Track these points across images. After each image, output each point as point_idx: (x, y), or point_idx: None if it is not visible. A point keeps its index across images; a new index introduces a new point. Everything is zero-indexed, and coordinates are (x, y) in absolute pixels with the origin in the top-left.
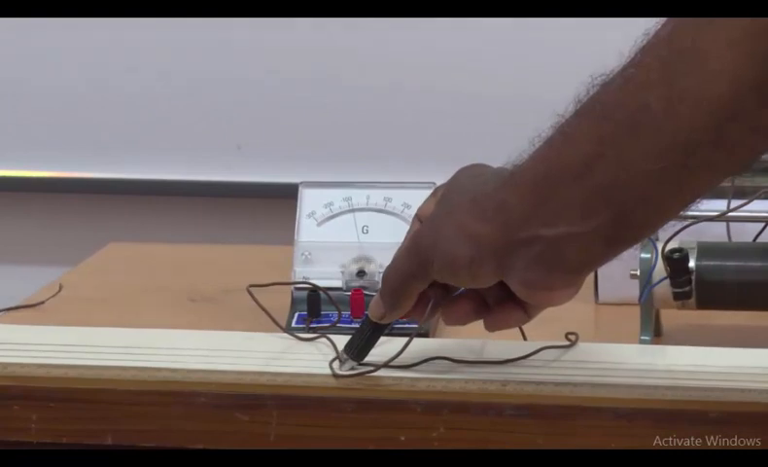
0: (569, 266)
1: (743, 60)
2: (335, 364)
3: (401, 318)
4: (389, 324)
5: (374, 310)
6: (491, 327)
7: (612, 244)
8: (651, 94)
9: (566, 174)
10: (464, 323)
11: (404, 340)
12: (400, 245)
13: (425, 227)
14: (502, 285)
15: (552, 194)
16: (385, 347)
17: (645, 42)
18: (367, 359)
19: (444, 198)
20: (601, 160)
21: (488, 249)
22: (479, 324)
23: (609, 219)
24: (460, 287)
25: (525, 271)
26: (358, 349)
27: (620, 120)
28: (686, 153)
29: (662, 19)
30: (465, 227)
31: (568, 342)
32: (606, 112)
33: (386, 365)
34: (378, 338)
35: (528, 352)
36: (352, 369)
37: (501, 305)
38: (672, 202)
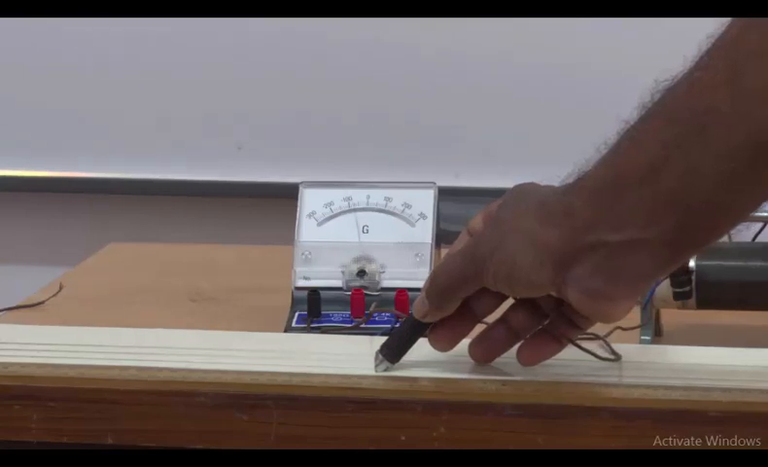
0: (633, 273)
1: None
2: (370, 365)
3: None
4: (429, 325)
5: (418, 308)
6: (526, 359)
7: (679, 251)
8: (719, 95)
9: (632, 179)
10: (492, 357)
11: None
12: (451, 251)
13: (485, 231)
14: (534, 313)
15: (618, 199)
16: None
17: (710, 45)
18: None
19: (506, 205)
20: (668, 163)
21: (551, 254)
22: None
23: (675, 224)
24: (509, 296)
25: (587, 279)
26: (396, 349)
27: (688, 122)
28: (758, 151)
29: (725, 21)
30: (529, 231)
31: None
32: (672, 115)
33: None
34: (417, 339)
35: None
36: (386, 369)
37: (535, 337)
38: (741, 204)
